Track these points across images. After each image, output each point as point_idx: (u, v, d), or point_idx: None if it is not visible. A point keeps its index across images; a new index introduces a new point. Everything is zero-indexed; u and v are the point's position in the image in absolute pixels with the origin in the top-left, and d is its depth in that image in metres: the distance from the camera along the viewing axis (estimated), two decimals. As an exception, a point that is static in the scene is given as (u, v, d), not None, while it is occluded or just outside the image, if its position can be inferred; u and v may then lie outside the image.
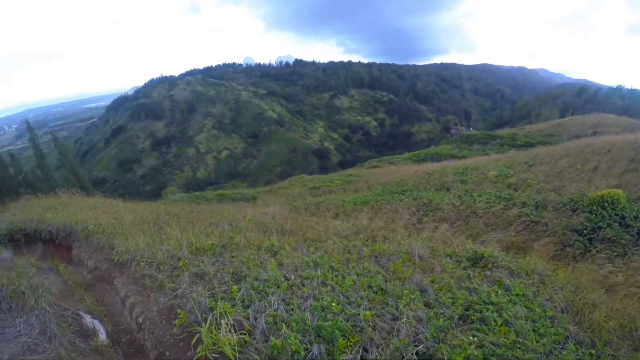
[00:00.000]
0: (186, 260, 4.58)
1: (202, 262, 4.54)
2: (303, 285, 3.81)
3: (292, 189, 26.38)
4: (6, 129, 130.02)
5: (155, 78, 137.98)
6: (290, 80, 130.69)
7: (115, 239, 6.31)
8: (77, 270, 6.49)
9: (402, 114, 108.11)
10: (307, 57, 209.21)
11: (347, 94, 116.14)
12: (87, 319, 3.92)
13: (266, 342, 2.80)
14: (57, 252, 8.01)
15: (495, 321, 3.19)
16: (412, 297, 3.55)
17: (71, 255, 7.34)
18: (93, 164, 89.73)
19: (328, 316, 3.11)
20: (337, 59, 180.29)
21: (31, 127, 33.67)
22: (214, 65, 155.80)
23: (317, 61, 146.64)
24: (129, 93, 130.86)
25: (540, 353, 2.85)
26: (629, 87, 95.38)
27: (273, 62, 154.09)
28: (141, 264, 4.79)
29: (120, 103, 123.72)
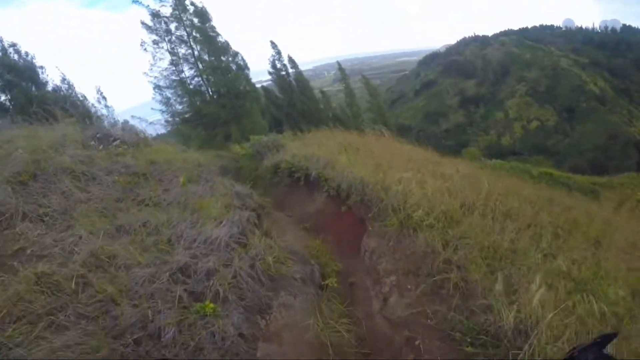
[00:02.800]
0: None
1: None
2: None
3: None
4: (325, 74, 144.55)
5: (467, 37, 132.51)
6: (617, 50, 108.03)
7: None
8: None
9: None
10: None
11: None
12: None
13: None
14: (337, 221, 6.29)
15: None
16: None
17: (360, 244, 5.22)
18: (400, 111, 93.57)
19: None
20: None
21: (344, 70, 37.44)
22: (529, 26, 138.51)
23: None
24: (441, 50, 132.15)
25: None
26: None
27: (597, 26, 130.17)
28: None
29: (432, 59, 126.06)
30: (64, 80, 19.25)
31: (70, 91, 19.06)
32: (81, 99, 19.20)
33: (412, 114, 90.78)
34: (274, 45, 29.80)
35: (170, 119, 22.25)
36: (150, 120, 22.26)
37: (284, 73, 29.68)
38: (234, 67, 21.88)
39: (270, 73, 29.89)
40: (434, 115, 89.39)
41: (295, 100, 28.28)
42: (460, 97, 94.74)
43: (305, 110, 27.28)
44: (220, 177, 6.31)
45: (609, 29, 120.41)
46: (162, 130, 23.60)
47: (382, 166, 6.45)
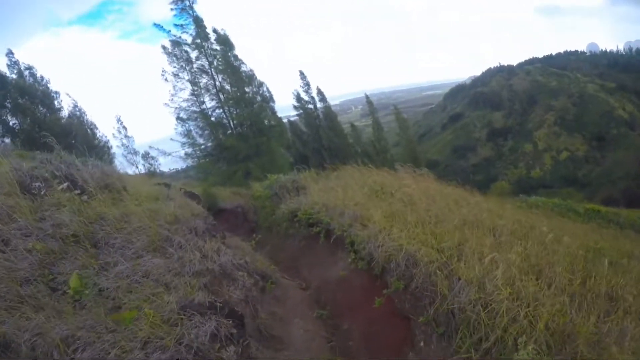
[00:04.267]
0: None
1: None
2: None
3: None
4: (352, 108, 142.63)
5: (493, 67, 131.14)
6: None
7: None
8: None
9: None
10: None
11: None
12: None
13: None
14: (368, 304, 4.42)
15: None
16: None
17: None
18: (428, 146, 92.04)
19: None
20: None
21: (372, 103, 36.15)
22: (554, 53, 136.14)
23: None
24: (467, 82, 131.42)
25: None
26: None
27: (621, 48, 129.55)
28: None
29: (458, 91, 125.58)
30: (75, 107, 18.59)
31: (82, 119, 18.32)
32: (91, 127, 18.40)
33: (440, 149, 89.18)
34: (302, 75, 28.68)
35: (191, 152, 21.29)
36: (170, 152, 21.43)
37: (311, 106, 28.41)
38: (258, 99, 20.85)
39: (295, 107, 28.58)
40: (461, 149, 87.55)
41: (322, 135, 26.90)
42: (488, 130, 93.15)
43: (332, 146, 25.82)
44: (208, 236, 4.59)
45: (634, 50, 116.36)
46: (182, 164, 22.72)
47: (430, 224, 4.56)
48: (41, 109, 16.83)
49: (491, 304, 2.85)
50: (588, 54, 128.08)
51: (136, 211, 4.07)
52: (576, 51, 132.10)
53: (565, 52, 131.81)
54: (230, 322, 2.63)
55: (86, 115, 18.90)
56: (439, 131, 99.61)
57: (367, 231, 4.68)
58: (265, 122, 21.70)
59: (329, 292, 5.01)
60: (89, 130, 18.20)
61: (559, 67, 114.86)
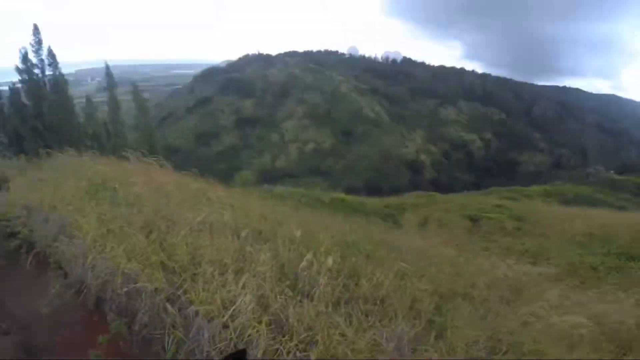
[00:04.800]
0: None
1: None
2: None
3: (435, 212, 20.09)
4: (89, 80, 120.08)
5: (250, 54, 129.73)
6: (396, 79, 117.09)
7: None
8: None
9: (512, 138, 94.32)
10: (417, 57, 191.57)
11: (455, 104, 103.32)
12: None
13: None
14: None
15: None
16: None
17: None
18: (169, 131, 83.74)
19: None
20: (449, 64, 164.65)
21: (112, 76, 30.56)
22: (314, 50, 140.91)
23: (428, 63, 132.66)
24: (220, 65, 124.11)
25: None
26: None
27: (379, 56, 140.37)
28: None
29: (210, 74, 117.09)
30: None
31: None
32: None
33: (183, 134, 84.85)
34: (36, 30, 22.07)
35: None
36: None
37: (37, 71, 22.17)
38: None
39: (19, 70, 21.84)
40: (206, 136, 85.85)
41: (45, 111, 21.56)
42: (236, 117, 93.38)
43: (57, 126, 21.07)
44: None
45: (390, 59, 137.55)
46: None
47: (159, 232, 3.90)
48: None
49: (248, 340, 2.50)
50: (348, 56, 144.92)
51: None
52: (337, 51, 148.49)
53: (326, 51, 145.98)
54: None
55: None
56: (183, 115, 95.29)
57: (76, 246, 3.71)
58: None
59: (43, 334, 3.81)
60: None
61: (318, 64, 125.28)
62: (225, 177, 36.55)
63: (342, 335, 2.56)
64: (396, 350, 2.52)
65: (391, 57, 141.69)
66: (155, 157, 6.79)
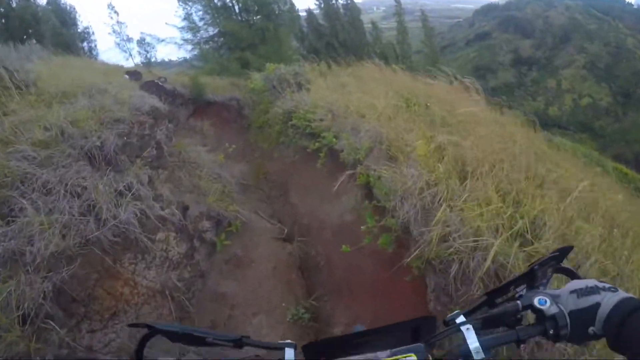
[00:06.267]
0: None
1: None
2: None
3: None
4: (374, 9, 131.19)
5: None
6: None
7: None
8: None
9: None
10: None
11: None
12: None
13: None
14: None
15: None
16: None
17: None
18: (449, 60, 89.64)
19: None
20: None
21: (401, 4, 32.34)
22: None
23: None
24: (500, 2, 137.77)
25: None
26: None
27: None
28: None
29: (489, 10, 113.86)
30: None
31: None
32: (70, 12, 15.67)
33: (461, 64, 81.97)
34: None
35: (190, 38, 18.69)
36: (164, 38, 19.16)
37: None
38: None
39: None
40: (483, 69, 79.59)
41: (339, 29, 23.58)
42: (513, 56, 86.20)
43: (348, 42, 22.72)
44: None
45: None
46: (186, 54, 20.44)
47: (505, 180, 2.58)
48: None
49: None
50: (635, 6, 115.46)
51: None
52: (623, 0, 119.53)
53: None
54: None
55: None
56: (463, 47, 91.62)
57: (400, 175, 2.74)
58: (275, 7, 18.69)
59: (325, 246, 3.33)
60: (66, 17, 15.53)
61: (601, 11, 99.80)
62: (496, 113, 35.74)
63: None
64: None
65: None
66: (467, 78, 5.39)
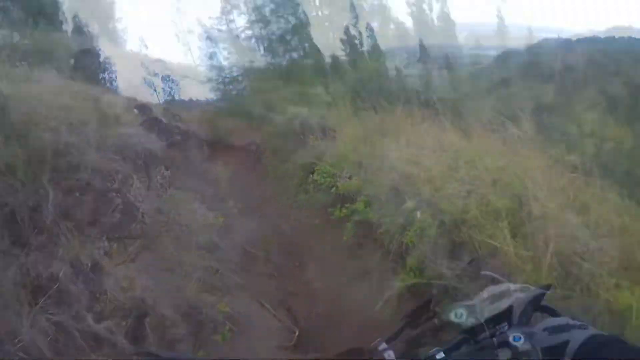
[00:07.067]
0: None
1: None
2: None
3: None
4: (404, 54, 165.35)
5: (549, 38, 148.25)
6: None
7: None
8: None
9: None
10: None
11: None
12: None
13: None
14: None
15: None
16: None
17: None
18: (471, 107, 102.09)
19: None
20: None
21: (426, 50, 35.70)
22: (617, 36, 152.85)
23: None
24: (519, 48, 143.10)
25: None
26: None
27: None
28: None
29: (509, 56, 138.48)
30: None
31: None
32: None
33: (480, 112, 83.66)
34: (352, 7, 24.88)
35: (214, 76, 18.85)
36: (187, 75, 19.36)
37: (357, 42, 24.65)
38: (292, 20, 17.76)
39: (342, 41, 24.93)
40: (504, 117, 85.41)
41: (364, 75, 23.45)
42: (534, 103, 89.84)
43: (374, 88, 22.55)
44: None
45: None
46: (212, 94, 20.66)
47: None
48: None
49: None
50: None
51: None
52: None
53: (629, 38, 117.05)
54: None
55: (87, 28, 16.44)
56: (483, 94, 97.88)
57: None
58: (301, 51, 18.83)
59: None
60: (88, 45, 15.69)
61: (620, 50, 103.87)
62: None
63: None
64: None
65: None
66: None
